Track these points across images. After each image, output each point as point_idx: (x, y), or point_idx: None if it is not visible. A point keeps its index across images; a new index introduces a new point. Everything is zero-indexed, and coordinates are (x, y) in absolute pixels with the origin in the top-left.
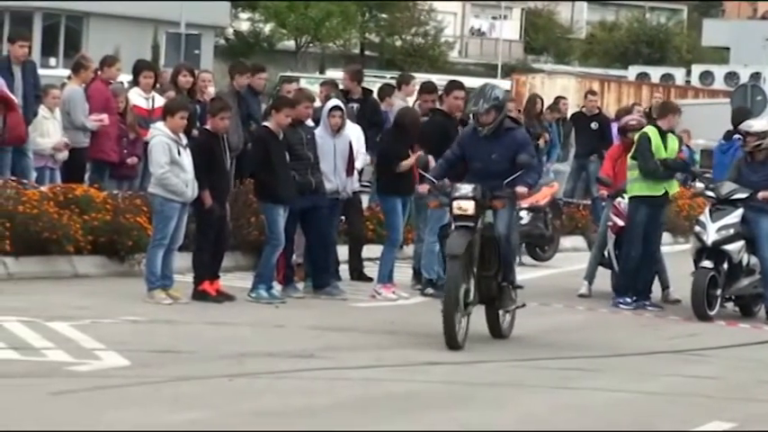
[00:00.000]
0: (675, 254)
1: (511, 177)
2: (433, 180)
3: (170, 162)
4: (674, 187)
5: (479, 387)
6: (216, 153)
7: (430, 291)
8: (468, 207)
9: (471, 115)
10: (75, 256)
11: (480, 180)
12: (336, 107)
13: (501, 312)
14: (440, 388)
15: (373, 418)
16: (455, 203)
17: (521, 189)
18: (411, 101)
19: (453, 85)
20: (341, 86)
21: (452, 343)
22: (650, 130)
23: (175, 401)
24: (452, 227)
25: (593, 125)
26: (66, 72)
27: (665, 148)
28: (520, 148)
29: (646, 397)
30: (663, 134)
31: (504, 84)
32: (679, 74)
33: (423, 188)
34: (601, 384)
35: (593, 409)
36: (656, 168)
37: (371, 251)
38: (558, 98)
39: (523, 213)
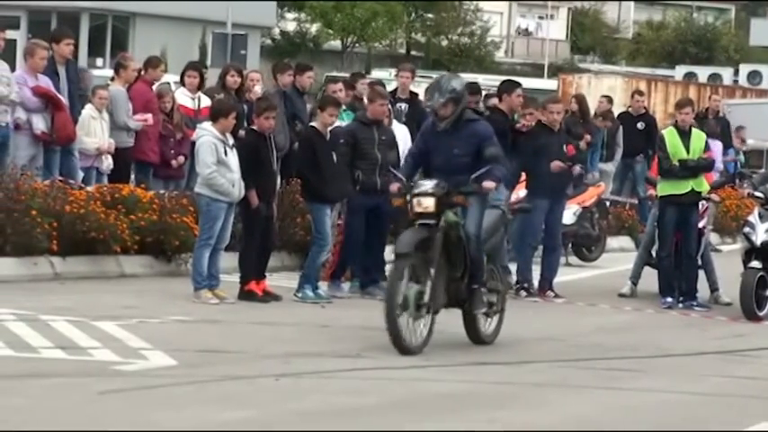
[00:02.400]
0: (723, 254)
1: (478, 172)
2: (401, 177)
3: (217, 162)
4: (703, 185)
5: (525, 387)
6: (262, 153)
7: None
8: (429, 204)
9: (428, 110)
10: (121, 256)
11: (444, 176)
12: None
13: (479, 316)
14: (486, 388)
15: (418, 419)
16: (415, 200)
17: (488, 184)
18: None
19: (514, 85)
20: (391, 86)
21: (399, 344)
22: (667, 131)
23: (222, 401)
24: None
25: (640, 125)
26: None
27: (688, 147)
28: (482, 140)
29: (693, 397)
30: (684, 134)
31: (550, 83)
32: (726, 73)
33: (393, 187)
34: (648, 385)
35: (641, 409)
36: (671, 169)
37: None
38: (606, 103)
39: (569, 213)
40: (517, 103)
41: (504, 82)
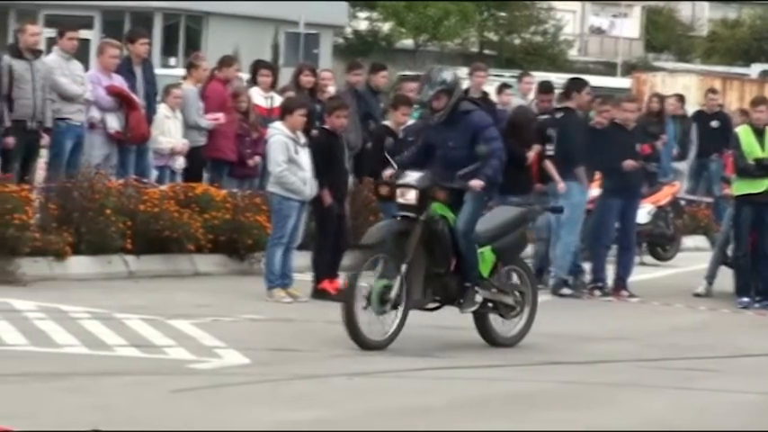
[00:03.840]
0: None
1: (466, 169)
2: (394, 165)
3: (288, 160)
4: None
5: (598, 387)
6: (335, 151)
7: (566, 291)
8: (411, 197)
9: (418, 104)
10: (195, 255)
11: (444, 169)
12: None
13: (492, 318)
14: (558, 388)
15: (491, 418)
16: (398, 191)
17: (475, 183)
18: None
19: (582, 83)
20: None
21: (355, 339)
22: (742, 129)
23: (295, 400)
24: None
25: (714, 124)
26: None
27: (763, 146)
28: (478, 131)
29: None
30: (759, 132)
31: (623, 82)
32: None
33: (386, 173)
34: (722, 385)
35: (714, 410)
36: (746, 167)
37: None
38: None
39: (644, 212)
40: (586, 101)
41: (571, 80)
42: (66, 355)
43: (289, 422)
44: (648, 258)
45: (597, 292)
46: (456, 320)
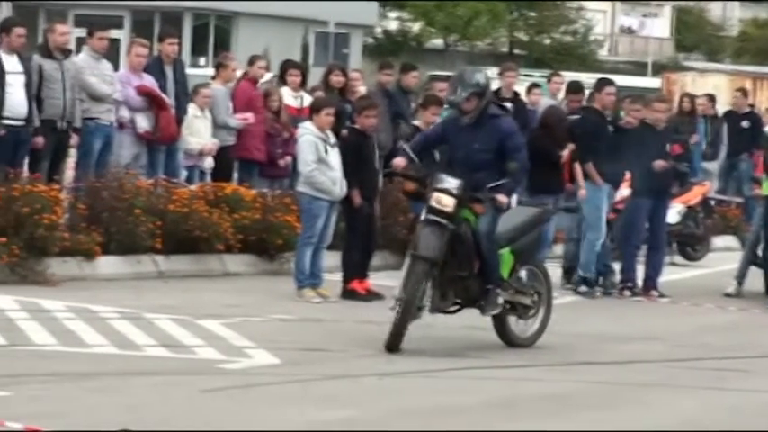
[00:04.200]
0: None
1: (494, 184)
2: (413, 156)
3: (317, 160)
4: None
5: (629, 387)
6: (364, 151)
7: (584, 288)
8: (449, 204)
9: (450, 105)
10: (225, 255)
11: (463, 171)
12: None
13: (512, 319)
14: (589, 388)
15: (522, 418)
16: (435, 195)
17: (501, 198)
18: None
19: (604, 82)
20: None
21: (394, 344)
22: None
23: (324, 400)
24: (422, 218)
25: (745, 124)
26: None
27: None
28: (505, 137)
29: None
30: None
31: (653, 82)
32: None
33: (399, 161)
34: (753, 385)
35: (745, 410)
36: None
37: None
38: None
39: (674, 212)
40: (608, 100)
41: (597, 80)
42: (96, 355)
43: (319, 422)
44: (678, 258)
45: (627, 292)
46: (484, 321)
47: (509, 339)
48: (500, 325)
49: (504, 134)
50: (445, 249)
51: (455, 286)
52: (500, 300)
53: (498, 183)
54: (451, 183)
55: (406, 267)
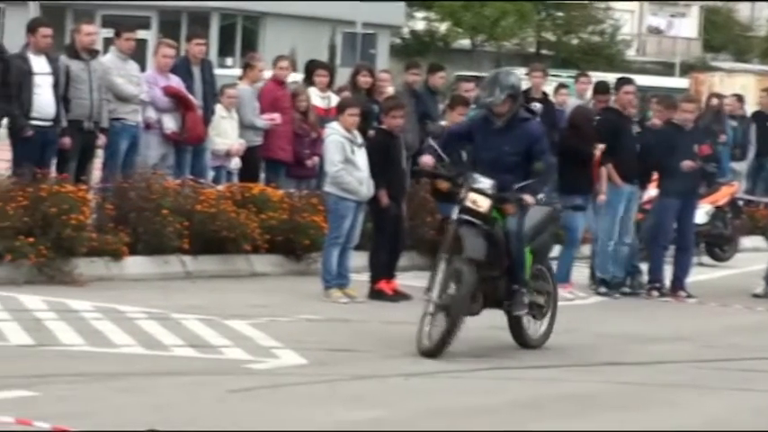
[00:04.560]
0: None
1: (521, 184)
2: (442, 154)
3: (344, 160)
4: None
5: (655, 388)
6: (392, 152)
7: (603, 290)
8: (485, 205)
9: (484, 107)
10: (252, 255)
11: (491, 172)
12: None
13: (525, 319)
14: (617, 388)
15: (548, 418)
16: (470, 195)
17: (528, 198)
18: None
19: (622, 81)
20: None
21: (437, 354)
22: None
23: (351, 400)
24: (454, 219)
25: None
26: None
27: None
28: (534, 141)
29: None
30: None
31: (681, 82)
32: None
33: (427, 160)
34: None
35: None
36: None
37: None
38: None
39: (702, 212)
40: (626, 99)
41: (617, 79)
42: (123, 356)
43: (347, 422)
44: (706, 259)
45: (655, 293)
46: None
47: (524, 340)
48: (517, 326)
49: (533, 138)
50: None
51: (485, 287)
52: (526, 300)
53: (525, 183)
54: (486, 183)
55: (446, 270)
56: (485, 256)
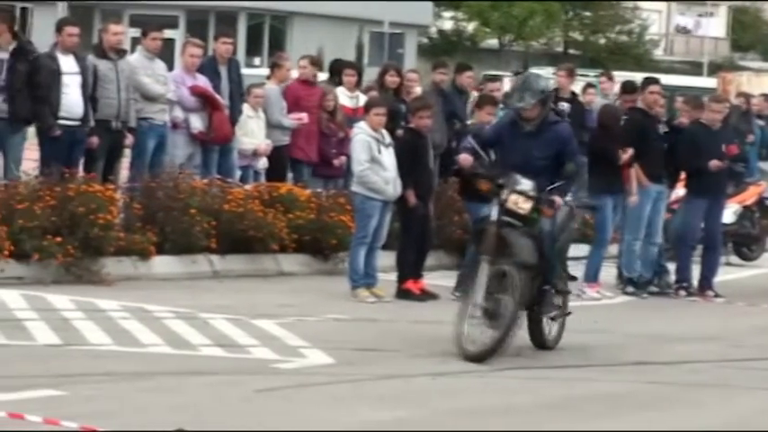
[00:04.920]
0: None
1: (553, 186)
2: (481, 153)
3: (370, 160)
4: None
5: (683, 388)
6: (419, 151)
7: (630, 289)
8: (527, 207)
9: (514, 110)
10: (279, 255)
11: (523, 176)
12: None
13: (545, 320)
14: (645, 388)
15: (576, 418)
16: (512, 197)
17: (557, 200)
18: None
19: (648, 81)
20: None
21: (484, 360)
22: None
23: (379, 399)
24: (494, 219)
25: None
26: None
27: None
28: (564, 144)
29: None
30: None
31: (709, 81)
32: None
33: (466, 159)
34: None
35: None
36: None
37: (578, 249)
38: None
39: (729, 212)
40: (650, 99)
41: (643, 79)
42: (151, 355)
43: (374, 422)
44: (734, 258)
45: (682, 293)
46: None
47: (541, 341)
48: (536, 326)
49: (563, 141)
50: None
51: None
52: (555, 301)
53: (556, 185)
54: (527, 184)
55: (489, 272)
56: (536, 259)
